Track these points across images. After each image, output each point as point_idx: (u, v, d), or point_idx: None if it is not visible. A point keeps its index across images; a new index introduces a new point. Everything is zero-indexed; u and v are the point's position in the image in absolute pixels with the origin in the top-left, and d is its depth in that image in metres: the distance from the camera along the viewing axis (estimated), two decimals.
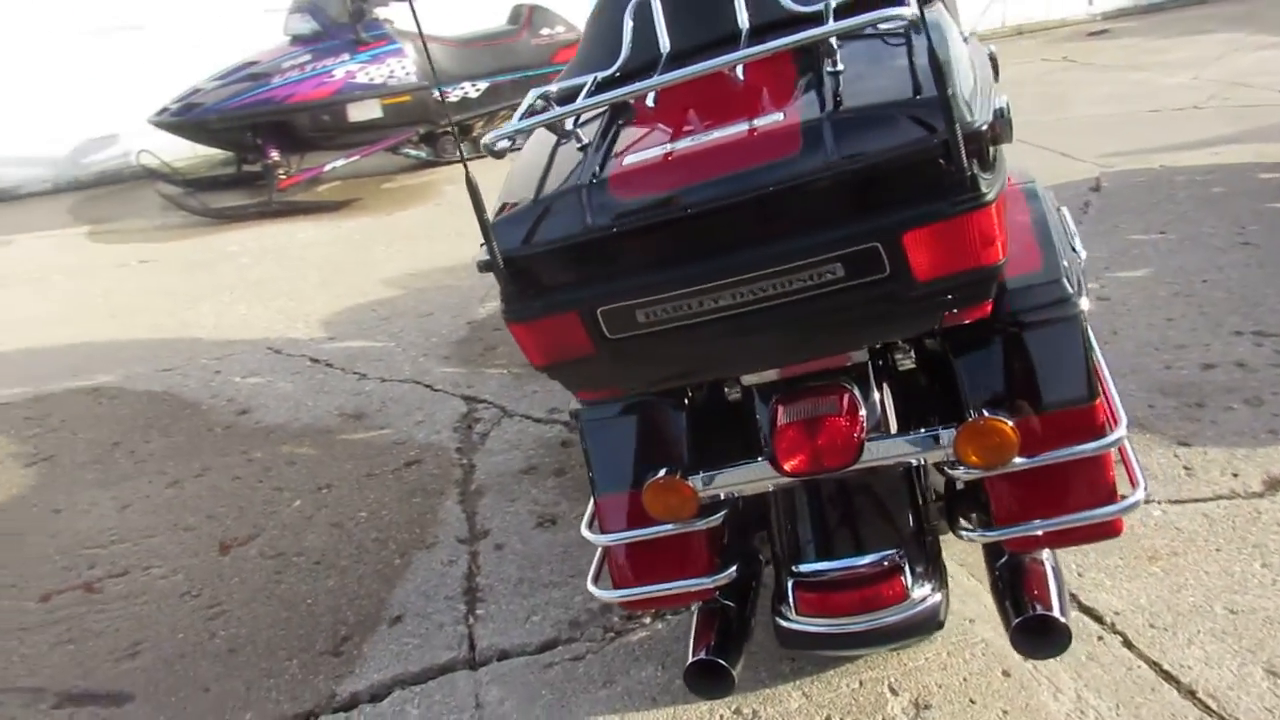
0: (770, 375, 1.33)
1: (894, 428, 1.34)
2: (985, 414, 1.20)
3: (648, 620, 1.81)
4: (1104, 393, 1.28)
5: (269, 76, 5.22)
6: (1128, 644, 1.61)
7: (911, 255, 0.98)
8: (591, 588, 1.44)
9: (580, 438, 1.45)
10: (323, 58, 5.31)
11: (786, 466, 1.23)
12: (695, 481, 1.31)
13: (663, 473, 1.32)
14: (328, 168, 5.59)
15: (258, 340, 3.49)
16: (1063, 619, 1.23)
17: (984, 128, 0.98)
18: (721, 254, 1.02)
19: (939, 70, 0.90)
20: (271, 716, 1.70)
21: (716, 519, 1.35)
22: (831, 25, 1.02)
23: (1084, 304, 1.26)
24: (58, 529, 2.40)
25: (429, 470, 2.45)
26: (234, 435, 2.79)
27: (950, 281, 1.01)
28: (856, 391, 1.30)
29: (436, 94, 5.58)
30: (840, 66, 1.05)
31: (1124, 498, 1.23)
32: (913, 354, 1.36)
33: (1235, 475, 2.00)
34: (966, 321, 1.14)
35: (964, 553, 1.86)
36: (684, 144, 1.06)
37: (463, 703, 1.68)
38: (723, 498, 1.33)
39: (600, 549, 1.45)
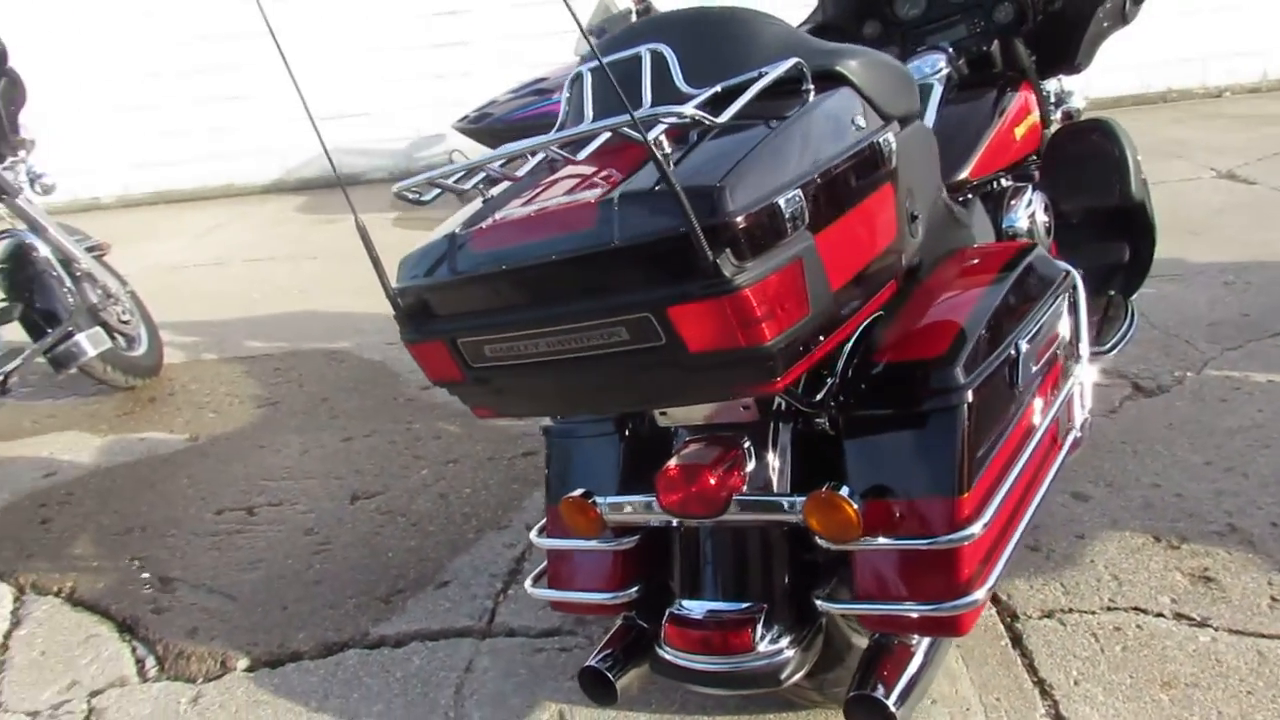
0: (689, 418, 1.43)
1: (785, 488, 1.38)
2: (829, 488, 1.23)
3: None
4: (983, 488, 1.24)
5: (551, 92, 5.76)
6: None
7: (680, 328, 1.06)
8: (528, 584, 1.61)
9: (546, 451, 1.63)
10: None
11: (663, 503, 1.33)
12: (602, 504, 1.45)
13: (577, 492, 1.47)
14: None
15: None
16: (893, 707, 1.23)
17: (735, 220, 1.03)
18: (534, 307, 1.15)
19: (661, 170, 0.98)
20: (317, 639, 2.04)
21: (628, 542, 1.48)
22: (607, 121, 1.12)
23: (969, 396, 1.24)
24: (253, 460, 2.96)
25: (537, 463, 2.71)
26: (410, 406, 3.23)
27: (721, 356, 1.07)
28: (749, 448, 1.37)
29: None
30: (669, 150, 1.14)
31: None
32: (826, 421, 1.39)
33: None
34: (764, 393, 1.18)
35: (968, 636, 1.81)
36: (532, 209, 1.20)
37: (457, 664, 1.92)
38: (630, 523, 1.45)
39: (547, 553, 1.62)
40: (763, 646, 1.31)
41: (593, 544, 1.50)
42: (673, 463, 1.33)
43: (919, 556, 1.22)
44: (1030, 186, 2.22)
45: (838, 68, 1.31)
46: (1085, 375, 1.65)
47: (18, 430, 3.41)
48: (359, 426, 3.10)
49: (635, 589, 1.48)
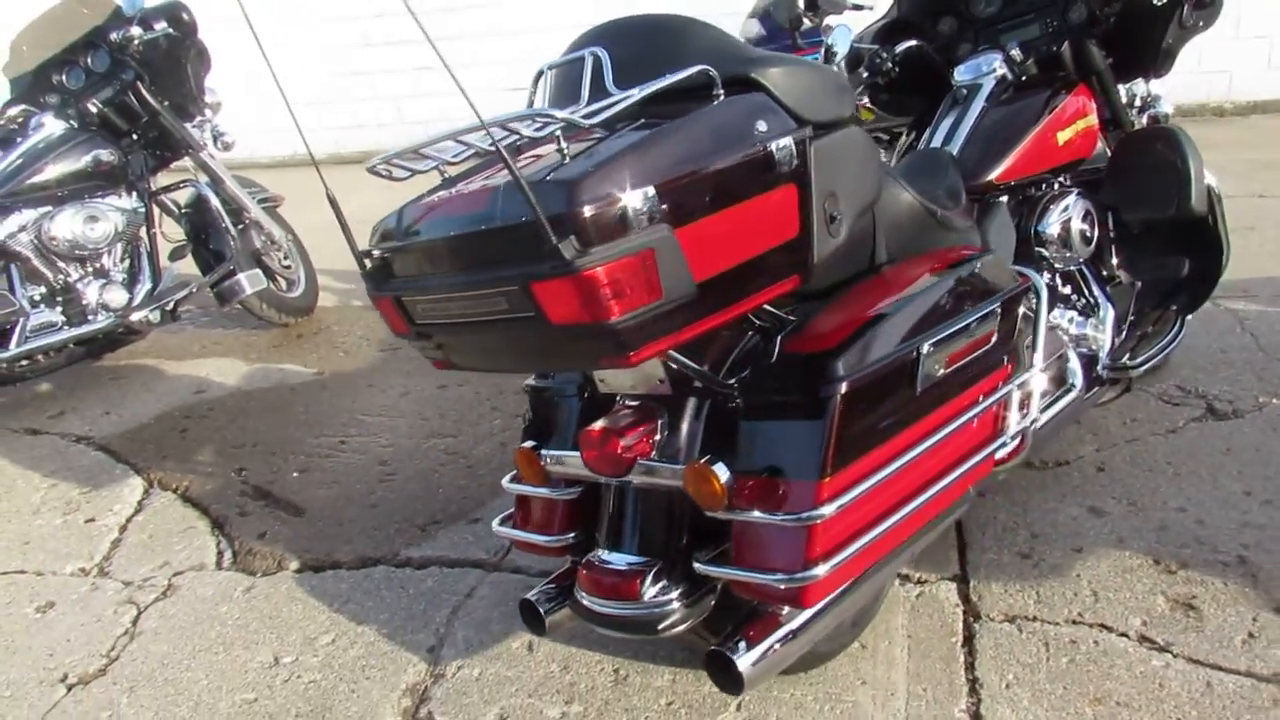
0: (620, 386, 1.58)
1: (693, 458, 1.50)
2: (705, 461, 1.35)
3: None
4: (849, 477, 1.32)
5: None
6: None
7: (541, 301, 1.20)
8: (494, 523, 1.81)
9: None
10: None
11: (583, 459, 1.50)
12: (545, 456, 1.63)
13: (528, 444, 1.66)
14: None
15: None
16: (741, 665, 1.34)
17: (580, 211, 1.16)
18: (446, 275, 1.33)
19: (509, 166, 1.13)
20: (358, 552, 2.34)
21: (570, 493, 1.65)
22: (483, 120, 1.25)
23: (843, 389, 1.32)
24: (361, 397, 3.32)
25: None
26: None
27: (577, 330, 1.20)
28: (664, 417, 1.50)
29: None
30: (565, 147, 1.28)
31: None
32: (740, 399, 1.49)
33: None
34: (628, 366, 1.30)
35: (923, 629, 1.86)
36: (457, 191, 1.38)
37: (461, 590, 2.15)
38: (567, 475, 1.62)
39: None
40: (648, 596, 1.45)
41: (542, 491, 1.68)
42: (596, 425, 1.49)
43: (775, 531, 1.32)
44: (1073, 192, 2.18)
45: (753, 74, 1.40)
46: (1034, 384, 1.66)
47: (186, 352, 3.97)
48: (455, 377, 3.39)
49: (572, 535, 1.65)
